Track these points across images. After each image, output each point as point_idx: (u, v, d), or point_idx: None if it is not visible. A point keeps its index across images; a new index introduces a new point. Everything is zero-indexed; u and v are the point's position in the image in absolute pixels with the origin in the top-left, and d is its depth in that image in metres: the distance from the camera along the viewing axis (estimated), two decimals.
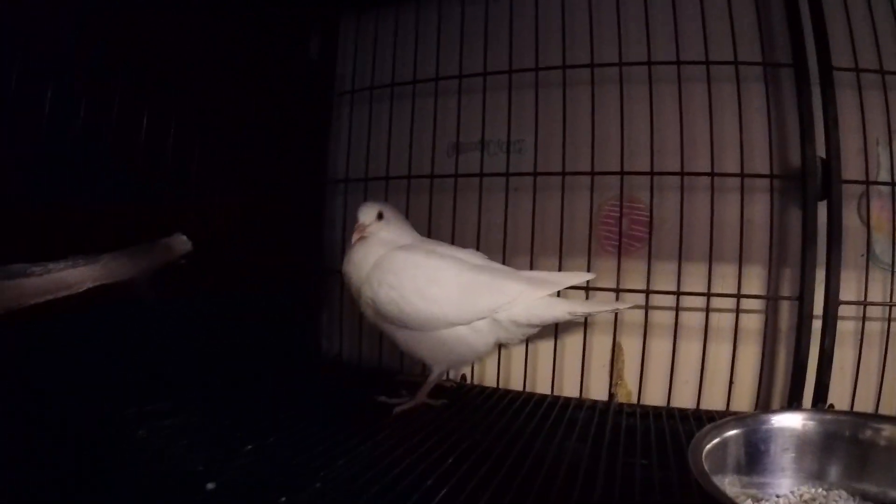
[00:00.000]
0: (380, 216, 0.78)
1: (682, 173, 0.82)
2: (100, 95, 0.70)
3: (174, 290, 0.74)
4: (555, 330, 0.89)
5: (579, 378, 0.87)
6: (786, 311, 0.82)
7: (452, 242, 0.88)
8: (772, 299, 0.82)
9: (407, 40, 1.01)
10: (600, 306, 0.81)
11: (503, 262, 0.85)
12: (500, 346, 0.87)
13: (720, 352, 0.83)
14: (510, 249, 0.92)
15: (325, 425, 0.67)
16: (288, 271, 0.98)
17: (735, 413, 0.69)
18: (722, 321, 0.83)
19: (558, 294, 0.82)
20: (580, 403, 0.82)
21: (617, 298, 0.85)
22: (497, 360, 0.92)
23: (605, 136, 0.87)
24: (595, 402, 0.83)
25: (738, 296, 0.80)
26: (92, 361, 0.69)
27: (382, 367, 0.99)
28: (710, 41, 0.83)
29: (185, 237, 0.74)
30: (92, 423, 0.64)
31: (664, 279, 0.84)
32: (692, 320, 0.84)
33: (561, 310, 0.76)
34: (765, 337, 0.81)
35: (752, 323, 0.82)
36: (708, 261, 0.81)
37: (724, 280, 0.82)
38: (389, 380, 0.87)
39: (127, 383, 0.72)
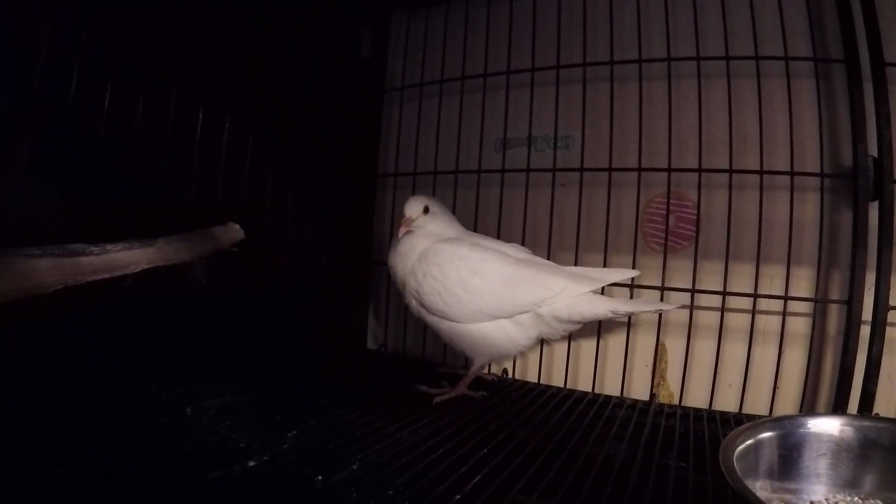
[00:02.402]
0: (426, 210, 0.82)
1: (730, 171, 0.83)
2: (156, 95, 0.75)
3: (228, 278, 0.78)
4: (598, 327, 0.91)
5: (621, 377, 0.88)
6: (834, 315, 0.81)
7: (498, 237, 0.90)
8: (820, 302, 0.81)
9: (456, 37, 1.04)
10: (644, 305, 0.81)
11: (548, 258, 0.87)
12: (542, 342, 0.89)
13: (765, 355, 0.83)
14: (555, 245, 0.94)
15: (366, 412, 0.70)
16: (337, 263, 1.02)
17: None
18: (768, 324, 0.83)
19: (602, 291, 0.83)
20: (621, 402, 0.83)
21: (662, 297, 0.86)
22: (539, 356, 0.95)
23: (653, 133, 0.89)
24: (636, 401, 0.84)
25: (786, 298, 0.80)
26: (146, 342, 0.75)
27: (426, 359, 1.03)
28: (759, 36, 0.82)
29: (237, 226, 0.78)
30: (142, 400, 0.67)
31: (710, 279, 0.84)
32: (738, 322, 0.84)
33: (603, 307, 0.77)
34: (811, 341, 0.81)
35: (799, 326, 0.83)
36: (755, 261, 0.82)
37: (772, 281, 0.82)
38: (432, 371, 0.90)
39: (179, 364, 0.77)
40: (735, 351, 0.84)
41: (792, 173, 0.80)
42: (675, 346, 0.88)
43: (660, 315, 0.87)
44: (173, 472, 0.51)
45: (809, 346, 0.81)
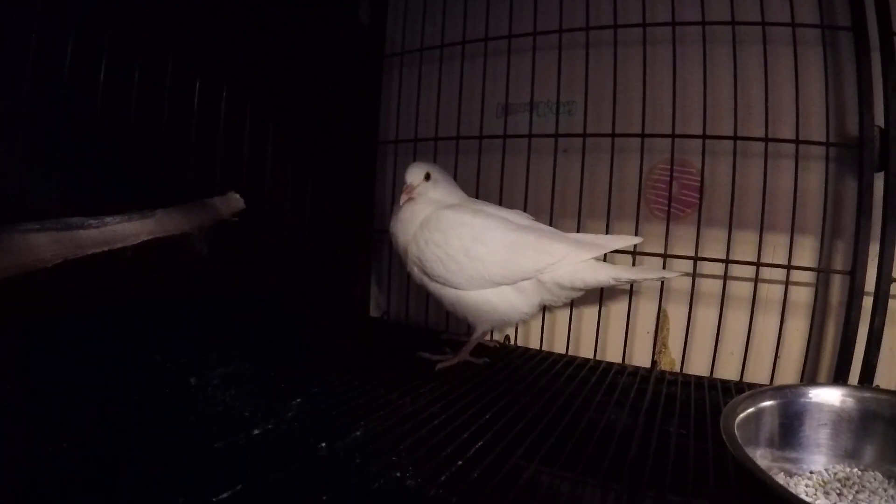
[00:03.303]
0: (427, 177, 0.81)
1: (734, 137, 0.82)
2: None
3: (230, 248, 0.78)
4: (600, 294, 0.91)
5: (623, 344, 0.89)
6: (836, 286, 0.82)
7: (500, 204, 0.90)
8: (823, 272, 0.81)
9: (456, 1, 1.02)
10: (646, 273, 0.81)
11: (550, 225, 0.86)
12: (544, 309, 0.89)
13: (767, 324, 0.83)
14: (558, 212, 0.94)
15: (368, 380, 0.70)
16: (339, 231, 1.02)
17: None
18: (770, 293, 0.83)
19: (605, 258, 0.84)
20: (622, 369, 0.84)
21: (664, 265, 0.86)
22: (541, 323, 0.95)
23: (657, 99, 0.88)
24: (637, 368, 0.85)
25: (789, 267, 0.80)
26: (146, 313, 0.75)
27: (428, 327, 1.03)
28: (766, 2, 0.81)
29: (237, 195, 0.77)
30: (145, 371, 0.68)
31: (713, 247, 0.84)
32: (740, 290, 0.84)
33: (606, 274, 0.77)
34: (813, 311, 0.81)
35: (802, 296, 0.83)
36: (759, 230, 0.81)
37: (775, 250, 0.82)
38: (434, 338, 0.90)
39: (182, 336, 0.77)
40: (737, 319, 0.84)
41: (797, 142, 0.79)
42: (676, 314, 0.88)
43: (662, 283, 0.87)
44: (178, 441, 0.51)
45: (811, 317, 0.81)
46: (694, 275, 0.84)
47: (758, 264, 0.81)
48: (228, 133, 0.84)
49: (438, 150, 1.02)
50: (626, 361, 0.88)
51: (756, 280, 0.82)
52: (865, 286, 0.76)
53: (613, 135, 0.88)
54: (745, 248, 0.83)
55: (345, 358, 0.80)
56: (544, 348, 0.94)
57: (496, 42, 0.98)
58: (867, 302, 0.75)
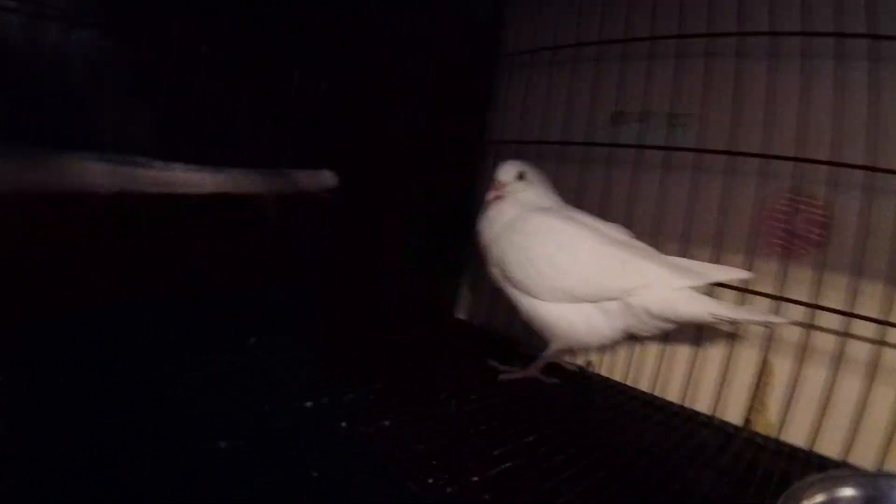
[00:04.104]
0: (520, 176, 0.76)
1: (869, 168, 0.70)
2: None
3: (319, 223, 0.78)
4: (696, 332, 0.81)
5: (716, 393, 0.78)
6: None
7: (598, 216, 0.81)
8: None
9: (571, 4, 0.96)
10: (751, 314, 0.70)
11: (651, 245, 0.77)
12: (633, 338, 0.80)
13: (887, 397, 0.69)
14: (661, 233, 0.84)
15: (424, 377, 0.68)
16: (437, 230, 0.98)
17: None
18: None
19: (710, 292, 0.75)
20: (709, 421, 0.75)
21: (777, 310, 0.74)
22: (630, 353, 0.86)
23: (782, 119, 0.76)
24: (726, 424, 0.75)
25: None
26: (227, 292, 0.73)
27: (513, 337, 0.95)
28: None
29: (331, 173, 0.75)
30: (218, 346, 0.68)
31: (834, 295, 0.72)
32: (860, 352, 0.71)
33: (703, 308, 0.68)
34: None
35: None
36: (892, 282, 0.69)
37: None
38: (512, 349, 0.84)
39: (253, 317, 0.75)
40: (851, 387, 0.71)
41: None
42: (782, 369, 0.76)
43: (769, 330, 0.76)
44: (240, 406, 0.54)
45: None
46: (809, 326, 0.72)
47: (886, 323, 0.68)
48: (334, 122, 0.81)
49: (543, 154, 0.95)
50: (717, 413, 0.77)
51: (882, 342, 0.69)
52: None
53: (729, 152, 0.78)
54: (873, 301, 0.70)
55: (417, 356, 0.77)
56: (628, 382, 0.84)
57: (611, 46, 0.91)
58: None
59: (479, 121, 1.02)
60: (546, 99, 0.98)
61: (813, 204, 0.76)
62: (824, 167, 0.73)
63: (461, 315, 1.09)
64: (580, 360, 0.88)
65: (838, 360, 0.72)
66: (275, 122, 0.75)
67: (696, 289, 0.70)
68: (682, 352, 0.83)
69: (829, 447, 0.71)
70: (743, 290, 0.76)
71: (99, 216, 0.54)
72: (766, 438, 0.73)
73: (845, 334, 0.71)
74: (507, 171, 0.76)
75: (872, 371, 0.70)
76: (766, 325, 0.74)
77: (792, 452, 0.70)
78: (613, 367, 0.88)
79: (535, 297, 0.73)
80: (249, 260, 0.73)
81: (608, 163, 0.90)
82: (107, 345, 0.58)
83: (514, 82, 1.04)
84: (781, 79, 0.78)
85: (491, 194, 0.76)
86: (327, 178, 0.75)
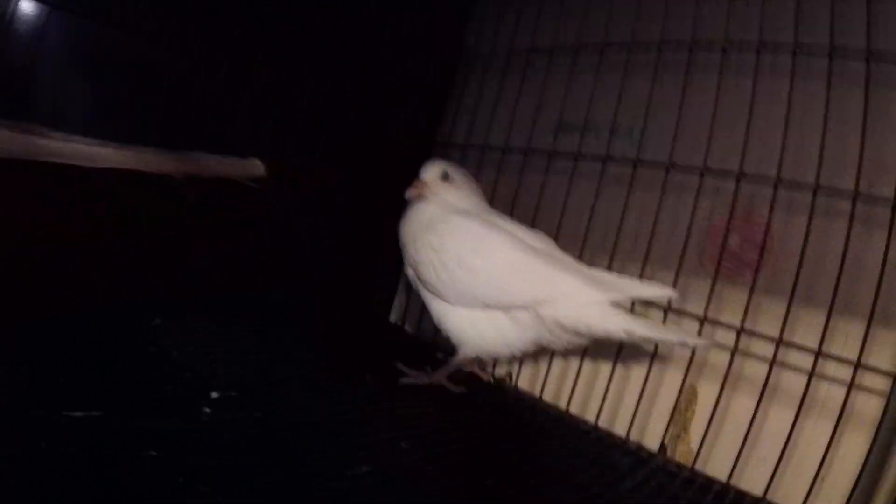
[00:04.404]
0: (444, 176, 0.72)
1: (816, 187, 0.64)
2: None
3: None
4: (621, 350, 0.74)
5: (637, 415, 0.71)
6: None
7: (533, 225, 0.76)
8: None
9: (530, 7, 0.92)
10: (669, 334, 0.63)
11: (579, 258, 0.71)
12: (556, 353, 0.77)
13: (817, 433, 0.63)
14: (590, 245, 0.79)
15: (323, 373, 0.66)
16: (373, 231, 0.92)
17: None
18: (829, 394, 0.63)
19: (632, 308, 0.69)
20: (621, 444, 0.68)
21: (700, 331, 0.68)
22: (548, 367, 0.80)
23: (729, 135, 0.71)
24: (640, 448, 0.69)
25: (858, 365, 0.60)
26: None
27: (438, 344, 0.87)
28: (878, 28, 0.63)
29: (259, 162, 0.72)
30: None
31: (767, 322, 0.66)
32: (791, 383, 0.65)
33: (617, 324, 0.61)
34: (878, 429, 0.59)
35: (869, 407, 0.61)
36: (828, 311, 0.62)
37: (846, 341, 0.62)
38: (430, 355, 0.78)
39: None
40: (780, 419, 0.64)
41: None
42: (708, 396, 0.69)
43: (696, 353, 0.70)
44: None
45: (875, 435, 0.59)
46: (734, 350, 0.66)
47: (818, 353, 0.62)
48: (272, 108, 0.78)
49: (484, 160, 0.91)
50: (636, 437, 0.71)
51: (812, 373, 0.62)
52: None
53: (669, 165, 0.73)
54: (808, 331, 0.63)
55: (332, 352, 0.74)
56: (547, 398, 0.78)
57: (561, 56, 0.86)
58: None
59: (432, 122, 0.97)
60: (497, 104, 0.93)
61: (755, 224, 0.69)
62: (770, 186, 0.67)
63: (393, 318, 1.02)
64: (501, 371, 0.83)
65: (769, 391, 0.65)
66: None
67: (615, 304, 0.63)
68: (605, 370, 0.76)
69: (751, 483, 0.64)
70: (671, 309, 0.71)
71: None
72: (681, 467, 0.66)
73: (773, 362, 0.64)
74: (430, 171, 0.72)
75: (804, 405, 0.62)
76: (683, 344, 0.66)
77: (706, 484, 0.63)
78: (535, 382, 0.82)
79: (445, 300, 0.68)
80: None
81: (549, 172, 0.84)
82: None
83: (471, 85, 0.98)
84: (731, 93, 0.72)
85: (411, 192, 0.71)
86: (256, 166, 0.72)
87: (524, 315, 0.65)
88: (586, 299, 0.63)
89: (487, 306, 0.65)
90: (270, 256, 0.80)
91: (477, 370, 0.77)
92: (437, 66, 0.96)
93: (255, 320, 0.68)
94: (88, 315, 0.59)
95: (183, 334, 0.63)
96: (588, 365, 0.78)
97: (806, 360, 0.63)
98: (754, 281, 0.67)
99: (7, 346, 0.50)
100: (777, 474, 0.62)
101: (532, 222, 0.79)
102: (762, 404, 0.65)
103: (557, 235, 0.76)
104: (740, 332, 0.66)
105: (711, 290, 0.69)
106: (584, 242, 0.78)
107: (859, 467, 0.59)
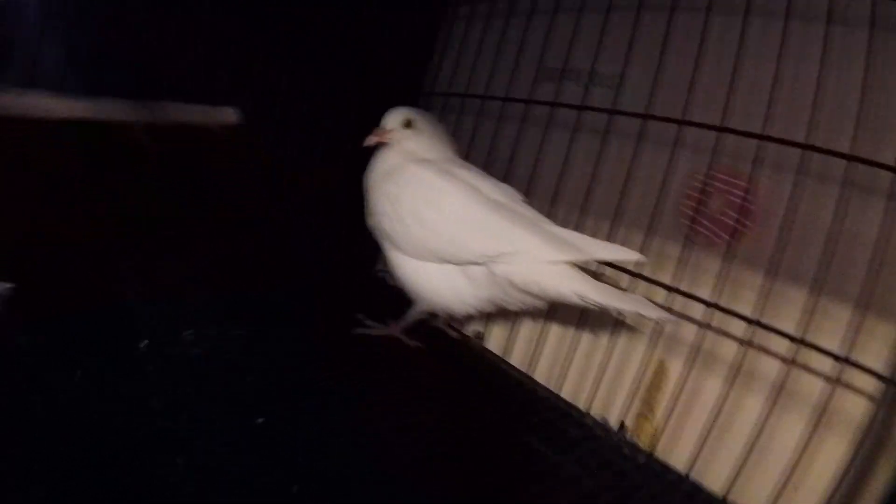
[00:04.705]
0: (407, 124, 0.66)
1: (804, 146, 0.53)
2: None
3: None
4: (597, 318, 0.68)
5: (603, 388, 0.65)
6: None
7: (506, 178, 0.69)
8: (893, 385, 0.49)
9: None
10: (624, 302, 0.55)
11: (549, 214, 0.64)
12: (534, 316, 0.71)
13: (791, 431, 0.53)
14: (563, 201, 0.71)
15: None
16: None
17: None
18: (808, 387, 0.53)
19: (601, 272, 0.63)
20: (580, 418, 0.63)
21: (672, 303, 0.60)
22: (525, 334, 0.75)
23: (715, 85, 0.61)
24: (596, 422, 0.63)
25: (843, 359, 0.50)
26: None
27: None
28: None
29: (233, 110, 0.70)
30: None
31: (747, 298, 0.57)
32: (767, 369, 0.56)
33: (569, 287, 0.55)
34: (865, 435, 0.49)
35: (854, 406, 0.51)
36: (813, 293, 0.52)
37: (834, 328, 0.52)
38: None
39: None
40: (751, 408, 0.56)
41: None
42: (680, 375, 0.60)
43: (662, 326, 0.62)
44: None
45: (859, 442, 0.49)
46: (706, 327, 0.58)
47: (797, 341, 0.52)
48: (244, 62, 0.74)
49: (465, 109, 0.85)
50: (602, 411, 0.65)
51: (792, 362, 0.53)
52: None
53: (645, 116, 0.64)
54: (790, 312, 0.54)
55: (306, 303, 0.74)
56: (516, 360, 0.73)
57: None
58: None
59: (419, 73, 0.91)
60: (479, 53, 0.85)
61: (735, 185, 0.59)
62: (753, 143, 0.56)
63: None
64: (474, 329, 0.78)
65: (745, 378, 0.56)
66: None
67: (573, 266, 0.56)
68: (575, 337, 0.69)
69: (713, 477, 0.56)
70: (634, 274, 0.62)
71: None
72: (636, 448, 0.59)
73: (754, 347, 0.56)
74: (393, 118, 0.67)
75: (780, 398, 0.54)
76: (638, 314, 0.56)
77: (660, 471, 0.57)
78: (509, 345, 0.75)
79: (402, 251, 0.63)
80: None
81: (526, 121, 0.77)
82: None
83: (454, 32, 0.90)
84: (714, 38, 0.62)
85: (370, 139, 0.67)
86: (227, 114, 0.70)
87: (478, 271, 0.59)
88: (541, 258, 0.57)
89: (442, 259, 0.60)
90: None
91: (443, 326, 0.74)
92: (422, 17, 0.90)
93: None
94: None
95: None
96: (558, 330, 0.71)
97: (787, 347, 0.54)
98: (731, 250, 0.58)
99: None
100: (743, 472, 0.54)
101: (507, 174, 0.73)
102: (736, 392, 0.56)
103: (531, 188, 0.70)
104: (713, 307, 0.57)
105: (683, 258, 0.60)
106: (556, 197, 0.70)
107: (837, 476, 0.50)
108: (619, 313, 0.64)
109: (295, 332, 0.67)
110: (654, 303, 0.55)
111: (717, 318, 0.58)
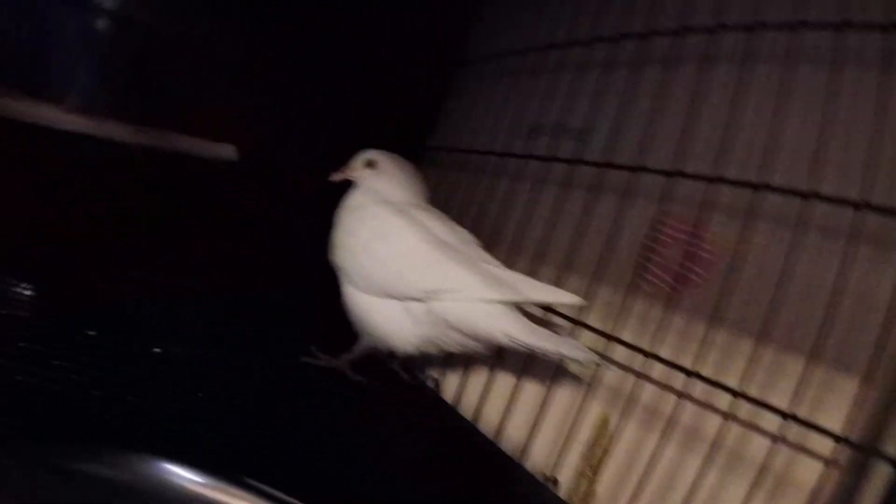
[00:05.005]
0: (370, 164, 0.67)
1: (753, 185, 0.49)
2: None
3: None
4: (550, 369, 0.63)
5: (551, 446, 0.60)
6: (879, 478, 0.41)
7: (477, 227, 0.69)
8: (860, 450, 0.42)
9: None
10: (556, 343, 0.51)
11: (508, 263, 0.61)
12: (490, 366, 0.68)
13: (736, 494, 0.46)
14: (521, 250, 0.70)
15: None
16: None
17: None
18: (759, 449, 0.46)
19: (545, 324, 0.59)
20: (515, 472, 0.58)
21: (605, 350, 0.56)
22: (481, 383, 0.70)
23: (671, 132, 0.58)
24: (531, 478, 0.57)
25: (792, 416, 0.43)
26: None
27: None
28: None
29: (232, 146, 0.74)
30: None
31: (690, 350, 0.51)
32: (717, 430, 0.49)
33: (499, 326, 0.52)
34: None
35: (809, 472, 0.44)
36: (766, 343, 0.47)
37: (788, 384, 0.45)
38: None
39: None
40: (694, 469, 0.49)
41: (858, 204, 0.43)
42: (625, 434, 0.55)
43: (595, 379, 0.58)
44: None
45: None
46: (638, 373, 0.53)
47: (736, 393, 0.46)
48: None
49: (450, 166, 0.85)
50: (553, 472, 0.59)
51: (727, 416, 0.47)
52: None
53: (577, 162, 0.65)
54: (739, 365, 0.48)
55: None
56: (468, 413, 0.68)
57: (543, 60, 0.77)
58: None
59: (422, 127, 0.93)
60: (476, 108, 0.86)
61: (700, 236, 0.55)
62: (707, 189, 0.53)
63: None
64: (430, 377, 0.74)
65: (695, 440, 0.50)
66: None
67: (511, 308, 0.55)
68: (531, 391, 0.64)
69: None
70: (572, 319, 0.59)
71: None
72: None
73: (707, 407, 0.50)
74: (358, 158, 0.69)
75: (736, 463, 0.47)
76: (569, 359, 0.55)
77: None
78: (462, 395, 0.71)
79: (354, 285, 0.63)
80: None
81: (494, 175, 0.77)
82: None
83: (464, 90, 0.92)
84: (676, 88, 0.59)
85: (335, 174, 0.69)
86: (226, 149, 0.74)
87: (418, 308, 0.57)
88: (475, 296, 0.55)
89: (386, 293, 0.59)
90: (270, 256, 0.79)
91: (398, 369, 0.72)
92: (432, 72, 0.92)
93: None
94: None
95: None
96: (509, 380, 0.67)
97: (729, 403, 0.48)
98: (678, 299, 0.54)
99: None
100: None
101: (475, 226, 0.71)
102: (676, 452, 0.50)
103: (496, 240, 0.69)
104: (651, 357, 0.52)
105: (630, 307, 0.56)
106: (518, 248, 0.69)
107: None
108: (563, 362, 0.60)
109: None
110: (599, 353, 0.53)
111: (661, 372, 0.53)
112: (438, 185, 0.83)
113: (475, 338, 0.56)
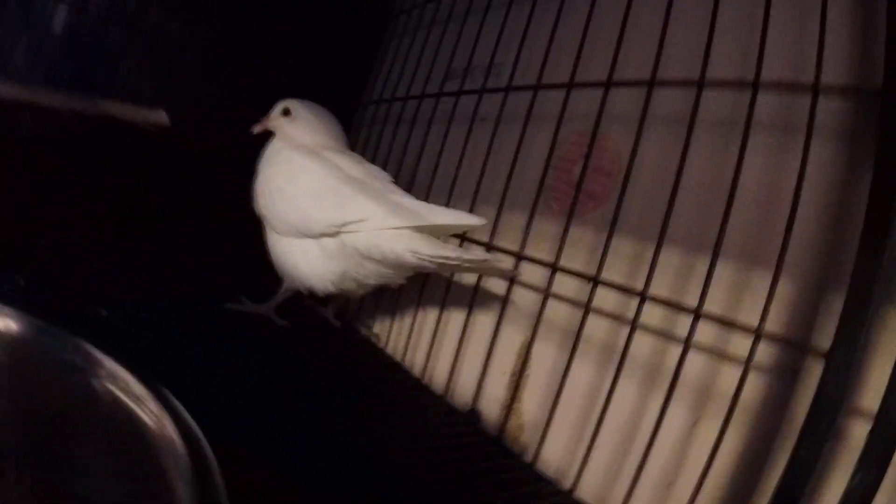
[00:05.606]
0: (286, 112, 0.65)
1: (649, 83, 0.45)
2: None
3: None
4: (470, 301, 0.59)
5: (475, 378, 0.56)
6: (810, 375, 0.35)
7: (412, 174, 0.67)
8: (795, 346, 0.36)
9: None
10: (458, 253, 0.49)
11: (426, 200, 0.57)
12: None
13: (670, 414, 0.40)
14: (435, 185, 0.67)
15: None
16: None
17: None
18: (688, 365, 0.40)
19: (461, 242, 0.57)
20: (436, 404, 0.55)
21: (516, 268, 0.52)
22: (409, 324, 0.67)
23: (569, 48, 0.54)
24: (455, 412, 0.54)
25: (698, 313, 0.38)
26: None
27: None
28: None
29: (164, 113, 0.71)
30: None
31: (618, 266, 0.46)
32: (643, 349, 0.44)
33: (405, 246, 0.49)
34: (731, 411, 0.36)
35: (734, 379, 0.38)
36: (689, 253, 0.42)
37: (714, 291, 0.39)
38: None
39: None
40: (624, 393, 0.43)
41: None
42: (547, 359, 0.51)
43: (505, 302, 0.53)
44: None
45: (752, 425, 0.37)
46: (547, 293, 0.49)
47: (641, 295, 0.41)
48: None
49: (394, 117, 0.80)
50: (463, 398, 0.55)
51: (633, 325, 0.42)
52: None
53: (482, 91, 0.63)
54: (674, 278, 0.43)
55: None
56: (399, 356, 0.66)
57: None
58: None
59: (359, 80, 0.89)
60: (406, 62, 0.82)
61: (588, 147, 0.50)
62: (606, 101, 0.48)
63: None
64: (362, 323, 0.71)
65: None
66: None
67: (417, 231, 0.52)
68: (454, 324, 0.60)
69: (590, 481, 0.44)
70: (486, 245, 0.56)
71: None
72: (494, 442, 0.49)
73: (631, 323, 0.43)
74: (275, 108, 0.66)
75: (653, 380, 0.42)
76: (471, 267, 0.53)
77: (504, 462, 0.46)
78: (397, 340, 0.68)
79: (273, 229, 0.60)
80: None
81: (414, 122, 0.74)
82: None
83: (396, 42, 0.87)
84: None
85: (255, 126, 0.66)
86: (160, 116, 0.70)
87: (331, 244, 0.54)
88: (382, 225, 0.50)
89: (299, 233, 0.56)
90: (207, 214, 0.77)
91: (326, 314, 0.67)
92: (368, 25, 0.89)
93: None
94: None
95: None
96: (441, 317, 0.63)
97: (659, 318, 0.43)
98: (587, 213, 0.51)
99: None
100: (619, 478, 0.42)
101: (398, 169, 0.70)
102: (607, 377, 0.44)
103: (412, 179, 0.67)
104: (553, 267, 0.49)
105: (534, 228, 0.53)
106: (433, 183, 0.66)
107: (733, 468, 0.38)
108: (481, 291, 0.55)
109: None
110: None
111: (576, 291, 0.48)
112: (368, 140, 0.81)
113: (386, 263, 0.52)
